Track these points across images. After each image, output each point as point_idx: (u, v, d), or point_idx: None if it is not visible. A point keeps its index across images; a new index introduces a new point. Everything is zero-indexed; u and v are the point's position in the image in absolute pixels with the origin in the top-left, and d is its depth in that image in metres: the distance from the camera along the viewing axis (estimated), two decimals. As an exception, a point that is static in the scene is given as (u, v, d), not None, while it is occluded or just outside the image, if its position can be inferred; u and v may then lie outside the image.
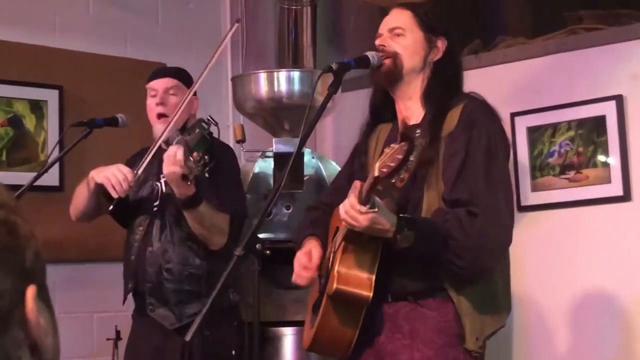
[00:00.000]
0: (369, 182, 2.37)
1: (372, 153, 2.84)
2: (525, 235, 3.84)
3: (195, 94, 3.63)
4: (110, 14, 4.65)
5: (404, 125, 2.51)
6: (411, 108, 2.77)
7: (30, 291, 0.97)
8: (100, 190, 3.43)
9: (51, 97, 4.38)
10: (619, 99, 3.82)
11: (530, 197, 4.03)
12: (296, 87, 4.28)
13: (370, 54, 2.72)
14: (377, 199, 2.41)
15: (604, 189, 3.84)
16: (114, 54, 4.61)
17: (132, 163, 3.67)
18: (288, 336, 3.99)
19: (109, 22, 4.64)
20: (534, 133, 4.04)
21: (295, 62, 4.50)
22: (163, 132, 3.43)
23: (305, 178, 4.19)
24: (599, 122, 3.87)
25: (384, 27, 2.79)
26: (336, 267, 2.54)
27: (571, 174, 3.94)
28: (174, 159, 3.13)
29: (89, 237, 4.34)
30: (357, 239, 2.53)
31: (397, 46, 2.73)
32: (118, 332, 3.80)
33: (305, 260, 2.74)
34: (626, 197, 3.78)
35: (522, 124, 4.05)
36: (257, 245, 2.56)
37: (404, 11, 2.79)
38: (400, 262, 2.57)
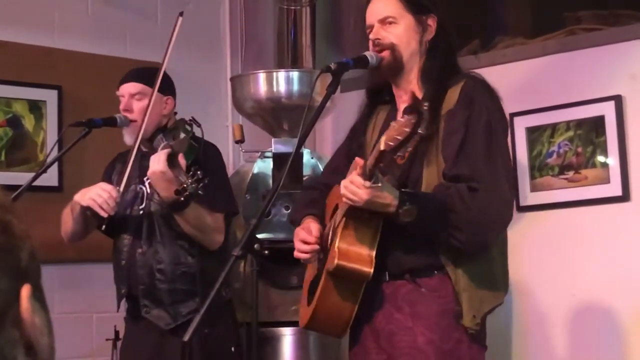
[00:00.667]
0: (375, 156, 2.37)
1: (370, 134, 2.84)
2: (524, 235, 3.85)
3: (171, 93, 3.58)
4: (110, 14, 4.65)
5: (414, 97, 2.51)
6: (410, 91, 2.75)
7: (25, 291, 0.97)
8: (86, 212, 3.41)
9: (50, 98, 4.38)
10: (617, 99, 3.82)
11: (529, 197, 4.03)
12: (295, 87, 4.28)
13: (368, 54, 2.71)
14: (381, 175, 2.42)
15: (602, 189, 3.83)
16: (113, 54, 4.61)
17: (110, 170, 3.68)
18: (287, 336, 4.00)
19: (108, 22, 4.64)
20: (533, 133, 4.04)
21: (295, 63, 4.50)
22: (137, 139, 3.39)
23: (304, 178, 4.19)
24: (598, 123, 3.87)
25: (372, 18, 2.76)
26: (337, 243, 2.55)
27: (570, 174, 3.93)
28: (157, 160, 3.16)
29: (88, 237, 4.33)
30: (358, 215, 2.53)
31: (391, 36, 2.72)
32: (117, 333, 3.80)
33: (305, 234, 2.74)
34: (625, 197, 3.78)
35: (521, 124, 4.05)
36: (255, 246, 2.55)
37: None
38: (398, 238, 2.58)
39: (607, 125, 3.84)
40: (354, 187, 2.45)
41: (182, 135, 3.40)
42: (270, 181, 4.15)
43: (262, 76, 4.30)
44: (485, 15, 4.77)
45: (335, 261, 2.52)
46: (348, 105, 4.78)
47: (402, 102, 2.78)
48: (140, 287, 3.44)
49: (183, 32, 4.87)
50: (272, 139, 4.28)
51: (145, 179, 3.47)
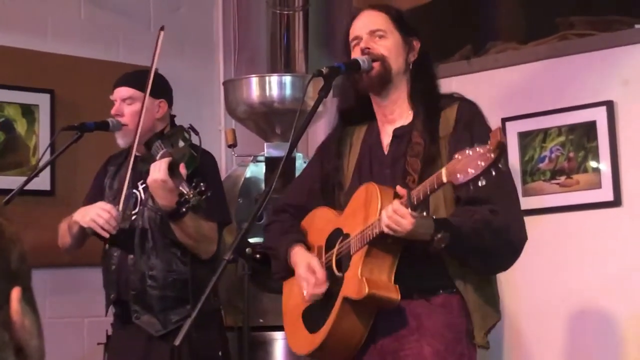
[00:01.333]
0: (431, 187, 2.36)
1: (346, 156, 2.82)
2: (516, 240, 3.84)
3: (164, 96, 3.58)
4: (102, 18, 4.64)
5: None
6: (397, 110, 2.76)
7: (15, 293, 0.97)
8: (87, 231, 3.43)
9: (43, 102, 4.37)
10: (609, 105, 3.83)
11: (521, 202, 4.02)
12: (288, 91, 4.28)
13: (360, 58, 2.70)
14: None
15: (594, 194, 3.84)
16: (106, 58, 4.60)
17: (102, 174, 3.68)
18: (278, 341, 3.99)
19: (101, 26, 4.64)
20: (525, 138, 4.04)
21: (287, 67, 4.50)
22: (133, 147, 3.39)
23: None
24: (590, 128, 3.87)
25: (361, 30, 2.75)
26: (359, 271, 2.54)
27: (562, 179, 3.94)
28: (157, 165, 3.16)
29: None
30: (382, 244, 2.53)
31: (381, 48, 2.72)
32: (109, 337, 3.79)
33: (314, 278, 2.70)
34: (616, 202, 3.79)
35: (513, 129, 4.05)
36: (247, 250, 2.55)
37: (378, 13, 2.76)
38: (408, 261, 2.58)
39: (599, 130, 3.85)
40: (397, 217, 2.43)
41: (181, 143, 3.39)
42: (263, 185, 4.15)
43: (254, 80, 4.31)
44: (477, 21, 4.78)
45: (366, 290, 2.51)
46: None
47: (387, 122, 2.78)
48: (132, 292, 3.43)
49: (175, 36, 4.89)
50: (265, 144, 4.28)
51: (139, 183, 3.47)
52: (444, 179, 2.30)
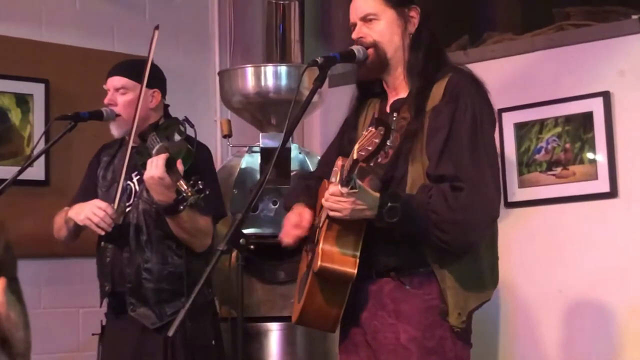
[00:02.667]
0: (349, 163, 2.39)
1: (361, 128, 2.81)
2: (511, 231, 3.84)
3: (158, 86, 3.56)
4: (97, 8, 4.62)
5: (380, 111, 2.58)
6: (399, 84, 2.75)
7: (0, 284, 0.95)
8: (82, 228, 3.45)
9: (37, 91, 4.35)
10: (606, 96, 3.82)
11: (517, 194, 4.03)
12: (283, 82, 4.26)
13: (355, 48, 2.69)
14: (358, 181, 2.41)
15: (590, 186, 3.84)
16: (101, 47, 4.58)
17: (95, 163, 3.68)
18: (274, 332, 3.98)
19: (96, 15, 4.62)
20: (521, 129, 4.03)
21: (283, 57, 4.48)
22: (130, 140, 3.40)
23: (292, 173, 4.18)
24: (586, 119, 3.87)
25: (354, 16, 2.73)
26: (320, 244, 2.54)
27: (558, 170, 3.93)
28: (153, 165, 3.16)
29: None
30: (340, 219, 2.52)
31: (373, 34, 2.69)
32: (103, 328, 3.78)
33: (297, 219, 2.74)
34: (613, 193, 3.78)
35: (510, 120, 4.05)
36: (241, 240, 2.54)
37: None
38: (384, 239, 2.56)
39: (596, 121, 3.84)
40: (335, 198, 2.46)
41: (177, 137, 3.38)
42: (258, 176, 4.13)
43: (250, 70, 4.28)
44: (474, 11, 4.77)
45: (319, 263, 2.52)
46: (336, 100, 4.77)
47: (392, 97, 2.77)
48: (127, 285, 3.44)
49: (171, 26, 4.87)
50: (260, 134, 4.27)
51: (134, 175, 3.46)
52: (354, 156, 2.35)
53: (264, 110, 4.33)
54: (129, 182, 3.49)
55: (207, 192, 3.05)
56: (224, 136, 4.31)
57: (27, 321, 1.00)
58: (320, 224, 2.63)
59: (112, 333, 3.57)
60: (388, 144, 2.30)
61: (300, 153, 4.31)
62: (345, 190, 2.40)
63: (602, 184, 3.81)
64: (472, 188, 2.50)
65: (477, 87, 2.68)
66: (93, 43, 4.56)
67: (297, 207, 2.82)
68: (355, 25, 2.73)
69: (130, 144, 3.40)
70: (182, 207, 3.17)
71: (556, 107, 3.95)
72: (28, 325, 1.00)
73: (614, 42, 3.88)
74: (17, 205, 4.04)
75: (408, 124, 2.62)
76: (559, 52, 4.02)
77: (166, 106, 3.63)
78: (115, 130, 3.53)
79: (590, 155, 3.85)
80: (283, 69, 4.29)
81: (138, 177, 3.45)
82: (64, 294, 4.37)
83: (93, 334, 3.80)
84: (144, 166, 3.27)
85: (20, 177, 3.46)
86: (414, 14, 2.73)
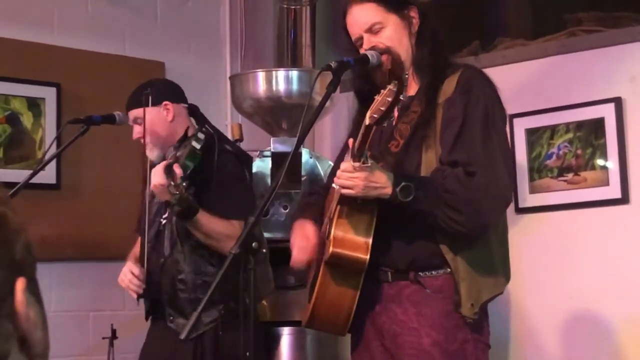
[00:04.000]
0: (361, 132, 2.38)
1: None
2: (522, 237, 3.84)
3: (168, 97, 3.56)
4: (109, 12, 4.64)
5: (393, 64, 2.59)
6: (408, 84, 2.75)
7: (20, 284, 0.96)
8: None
9: (49, 95, 4.37)
10: (617, 102, 3.82)
11: (528, 199, 4.02)
12: (294, 86, 4.27)
13: (369, 53, 2.69)
14: (369, 157, 2.42)
15: (602, 192, 3.83)
16: (112, 52, 4.60)
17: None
18: (284, 336, 3.99)
19: (108, 20, 4.63)
20: (533, 135, 4.03)
21: (294, 62, 4.49)
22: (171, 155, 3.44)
23: (303, 178, 4.18)
24: (598, 125, 3.86)
25: (357, 29, 2.73)
26: (332, 232, 2.53)
27: (569, 176, 3.93)
28: (155, 170, 3.20)
29: (86, 235, 4.34)
30: (351, 202, 2.52)
31: (384, 41, 2.70)
32: (114, 331, 3.78)
33: (304, 243, 2.74)
34: (624, 199, 3.78)
35: (521, 126, 4.04)
36: (253, 244, 2.54)
37: (366, 5, 2.72)
38: (397, 230, 2.57)
39: (607, 127, 3.83)
40: (347, 174, 2.45)
41: (193, 143, 3.40)
42: (269, 180, 4.14)
43: (261, 75, 4.29)
44: (485, 17, 4.77)
45: (330, 249, 2.50)
46: (347, 105, 4.77)
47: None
48: (165, 295, 3.48)
49: (182, 31, 4.89)
50: (271, 138, 4.27)
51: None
52: (367, 122, 2.34)
53: (275, 115, 4.33)
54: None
55: (188, 193, 3.11)
56: (235, 140, 4.32)
57: (46, 322, 1.00)
58: (332, 214, 2.61)
59: (151, 337, 3.61)
60: (401, 98, 2.29)
61: (311, 157, 4.31)
62: (357, 164, 2.40)
63: (613, 190, 3.81)
64: (484, 172, 2.52)
65: (488, 82, 2.71)
66: (104, 47, 4.58)
67: (300, 226, 2.81)
68: (361, 38, 2.73)
69: (148, 166, 3.46)
70: (173, 210, 3.22)
71: (567, 113, 3.94)
72: (46, 326, 1.00)
73: (626, 48, 3.87)
74: (29, 208, 4.05)
75: (419, 115, 2.63)
76: (570, 57, 4.02)
77: (193, 110, 3.64)
78: (150, 154, 3.56)
79: (601, 162, 3.85)
80: (294, 74, 4.30)
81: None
82: (75, 297, 4.38)
83: (103, 338, 3.80)
84: (185, 169, 3.35)
85: (32, 180, 3.49)
86: (414, 14, 2.75)
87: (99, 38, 4.59)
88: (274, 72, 4.30)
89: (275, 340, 4.00)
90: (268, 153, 4.22)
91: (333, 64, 2.61)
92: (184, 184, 3.10)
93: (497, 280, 2.65)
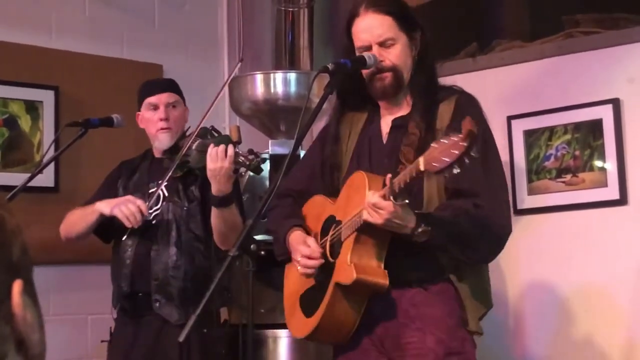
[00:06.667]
0: (410, 175, 2.38)
1: (345, 141, 2.86)
2: (521, 238, 3.83)
3: (184, 103, 3.70)
4: (107, 15, 4.64)
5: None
6: (399, 102, 2.79)
7: (17, 286, 0.96)
8: (103, 221, 3.53)
9: (47, 98, 4.37)
10: (615, 103, 3.82)
11: (527, 201, 4.02)
12: (292, 88, 4.27)
13: (366, 55, 2.70)
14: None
15: (600, 193, 3.83)
16: (110, 55, 4.60)
17: (116, 175, 3.76)
18: (283, 338, 3.98)
19: (105, 23, 4.64)
20: (531, 136, 4.03)
21: (292, 64, 4.49)
22: (187, 144, 3.51)
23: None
24: (596, 126, 3.86)
25: (369, 37, 2.73)
26: (348, 258, 2.58)
27: (567, 177, 3.93)
28: (222, 154, 3.22)
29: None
30: (370, 231, 2.56)
31: (392, 58, 2.72)
32: (112, 334, 3.79)
33: (308, 250, 2.74)
34: (622, 201, 3.78)
35: (519, 127, 4.04)
36: (251, 246, 2.55)
37: (384, 17, 2.73)
38: (404, 252, 2.60)
39: (605, 128, 3.83)
40: (375, 208, 2.47)
41: (217, 136, 3.53)
42: (267, 183, 4.13)
43: (259, 77, 4.29)
44: (483, 19, 4.77)
45: (355, 275, 2.54)
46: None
47: (388, 112, 2.81)
48: (154, 282, 3.50)
49: (180, 33, 4.89)
50: (269, 141, 4.27)
51: (159, 182, 3.52)
52: (421, 167, 2.33)
53: (273, 117, 4.34)
54: (155, 188, 3.56)
55: (262, 157, 3.24)
56: (233, 143, 4.32)
57: (43, 324, 1.00)
58: (341, 237, 2.65)
59: (123, 336, 3.59)
60: (472, 154, 2.25)
61: (309, 160, 4.31)
62: (398, 202, 2.44)
63: (611, 191, 3.81)
64: (490, 205, 2.61)
65: (481, 109, 2.76)
66: (103, 50, 4.58)
67: (296, 236, 2.82)
68: (369, 47, 2.73)
69: (184, 150, 3.51)
70: (242, 173, 3.31)
71: (565, 114, 3.95)
72: (43, 328, 1.00)
73: (623, 49, 3.87)
74: (27, 211, 4.05)
75: (419, 140, 2.65)
76: (568, 59, 4.02)
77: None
78: (165, 142, 3.62)
79: (599, 163, 3.85)
80: (292, 76, 4.30)
81: (166, 183, 3.53)
82: (73, 300, 4.38)
83: (102, 341, 3.81)
84: (183, 165, 3.42)
85: (30, 183, 3.49)
86: (418, 37, 2.78)
87: (97, 41, 4.59)
88: (271, 75, 4.30)
89: (275, 342, 4.00)
90: (266, 155, 4.22)
91: (330, 66, 2.62)
92: (256, 152, 3.25)
93: (488, 297, 2.77)
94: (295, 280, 2.87)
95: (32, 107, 4.33)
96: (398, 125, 2.76)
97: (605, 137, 3.83)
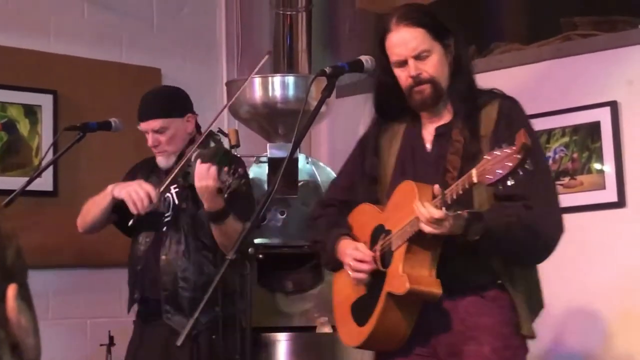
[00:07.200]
0: (462, 186, 2.39)
1: (386, 154, 2.83)
2: (519, 241, 3.83)
3: (189, 109, 3.61)
4: (105, 19, 4.64)
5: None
6: (439, 110, 2.76)
7: (11, 290, 0.96)
8: (115, 205, 3.47)
9: (45, 102, 4.37)
10: (613, 105, 3.82)
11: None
12: (291, 92, 4.27)
13: (364, 58, 2.69)
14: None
15: (598, 195, 3.83)
16: (109, 58, 4.60)
17: (137, 171, 3.70)
18: (281, 342, 3.98)
19: (104, 26, 4.64)
20: (529, 139, 4.03)
21: (290, 68, 4.49)
22: (188, 155, 3.45)
23: (299, 184, 4.18)
24: (594, 128, 3.86)
25: (405, 52, 2.69)
26: (400, 268, 2.59)
27: (566, 180, 3.93)
28: (206, 173, 3.19)
29: (83, 242, 4.32)
30: (421, 240, 2.57)
31: (429, 69, 2.69)
32: (111, 338, 3.79)
33: (360, 253, 2.74)
34: (620, 203, 3.78)
35: (517, 130, 4.04)
36: (249, 250, 2.54)
37: (416, 30, 2.69)
38: (456, 259, 2.60)
39: (603, 131, 3.84)
40: (436, 223, 2.47)
41: (212, 144, 3.47)
42: (266, 186, 4.14)
43: (257, 81, 4.29)
44: (481, 22, 4.77)
45: (407, 286, 2.55)
46: (344, 110, 4.78)
47: (429, 121, 2.78)
48: (163, 293, 3.47)
49: (179, 37, 4.89)
50: (268, 144, 4.27)
51: (172, 187, 3.50)
52: (474, 179, 2.34)
53: (272, 121, 4.34)
54: (168, 193, 3.52)
55: (247, 178, 3.16)
56: (232, 146, 4.30)
57: (37, 328, 1.00)
58: (392, 247, 2.65)
59: (140, 339, 3.58)
60: (526, 166, 2.25)
61: (307, 163, 4.31)
62: (451, 213, 2.45)
63: (609, 194, 3.81)
64: (542, 207, 2.60)
65: (525, 112, 2.77)
66: (101, 54, 4.58)
67: (346, 243, 2.81)
68: (405, 61, 2.70)
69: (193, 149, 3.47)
70: (225, 195, 3.22)
71: (564, 116, 3.95)
72: (38, 332, 1.00)
73: (622, 52, 3.88)
74: (26, 215, 4.05)
75: (465, 147, 2.65)
76: (566, 62, 4.03)
77: (196, 115, 3.67)
78: (164, 162, 3.57)
79: (597, 165, 3.85)
80: (290, 79, 4.30)
81: (177, 189, 3.49)
82: (72, 304, 4.37)
83: (101, 345, 3.81)
84: (187, 176, 3.35)
85: (29, 187, 3.49)
86: (452, 43, 2.75)
87: (96, 45, 4.59)
88: (270, 78, 4.30)
89: (273, 345, 4.00)
90: (264, 159, 4.22)
91: (327, 70, 2.62)
92: (240, 170, 3.18)
93: (541, 298, 2.77)
94: (344, 288, 2.87)
95: (31, 111, 4.33)
96: (441, 133, 2.73)
97: (603, 139, 3.83)
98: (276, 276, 4.11)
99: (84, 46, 4.54)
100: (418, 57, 2.69)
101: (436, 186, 2.50)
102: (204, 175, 3.21)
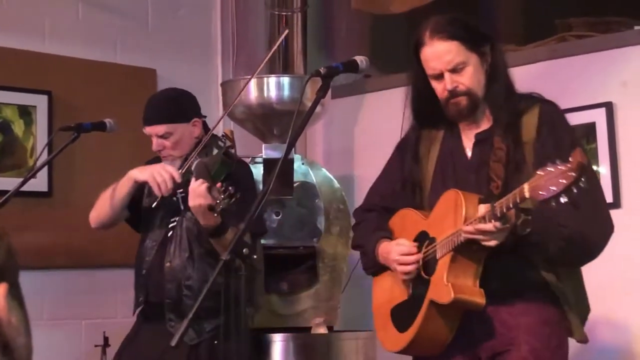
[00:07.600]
0: (513, 201, 2.38)
1: (425, 158, 2.83)
2: (514, 242, 3.83)
3: (196, 113, 3.59)
4: (100, 19, 4.63)
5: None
6: (478, 116, 2.75)
7: (2, 289, 0.95)
8: (136, 190, 3.46)
9: (40, 103, 4.36)
10: (608, 106, 3.82)
11: (520, 204, 4.01)
12: (286, 92, 4.27)
13: (358, 59, 2.68)
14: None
15: (593, 196, 3.83)
16: (104, 59, 4.60)
17: None
18: (276, 343, 3.97)
19: (99, 27, 4.63)
20: (524, 140, 4.03)
21: (286, 68, 4.49)
22: (189, 162, 3.44)
23: (295, 184, 4.18)
24: (589, 129, 3.86)
25: (440, 66, 2.68)
26: (445, 276, 2.58)
27: (561, 180, 3.92)
28: (198, 192, 3.17)
29: (78, 243, 4.32)
30: (466, 250, 2.57)
31: (465, 81, 2.67)
32: (106, 339, 3.79)
33: (406, 248, 2.73)
34: (616, 204, 3.78)
35: (512, 131, 4.04)
36: (244, 250, 2.53)
37: (451, 43, 2.67)
38: (497, 263, 2.59)
39: (598, 132, 3.84)
40: (487, 235, 2.48)
41: (215, 151, 3.43)
42: (261, 187, 4.13)
43: (252, 82, 4.28)
44: (476, 22, 4.77)
45: (452, 295, 2.55)
46: (339, 111, 4.78)
47: (468, 127, 2.77)
48: (167, 300, 3.46)
49: (174, 38, 4.89)
50: (263, 145, 4.27)
51: (179, 191, 3.46)
52: (527, 195, 2.33)
53: (267, 121, 4.33)
54: (174, 197, 3.49)
55: (238, 196, 3.08)
56: (228, 147, 4.32)
57: (29, 327, 0.99)
58: (436, 256, 2.65)
59: (139, 336, 3.56)
60: (581, 184, 2.24)
61: (303, 164, 4.31)
62: (498, 225, 2.44)
63: (605, 195, 3.80)
64: (590, 205, 2.55)
65: (565, 118, 2.76)
66: (96, 54, 4.58)
67: (387, 244, 2.81)
68: (441, 74, 2.69)
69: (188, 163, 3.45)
70: (215, 214, 3.18)
71: (559, 117, 3.95)
72: (29, 331, 0.99)
73: (617, 53, 3.88)
74: (20, 216, 4.05)
75: (508, 155, 2.64)
76: (561, 63, 4.03)
77: (204, 120, 3.64)
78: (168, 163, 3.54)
79: (593, 166, 3.85)
80: (286, 80, 4.30)
81: (183, 194, 3.45)
82: (67, 305, 4.36)
83: (96, 346, 3.81)
84: (188, 184, 3.31)
85: (23, 188, 3.47)
86: (488, 50, 2.73)
87: (90, 45, 4.58)
88: (265, 79, 4.30)
89: (268, 346, 3.99)
90: (260, 159, 4.22)
91: (322, 70, 2.61)
92: (230, 189, 3.11)
93: (587, 301, 2.78)
94: (385, 293, 2.87)
95: (26, 112, 4.33)
96: (481, 139, 2.72)
97: (599, 140, 3.83)
98: (272, 277, 4.11)
99: (78, 47, 4.53)
100: (454, 70, 2.68)
101: (479, 196, 2.52)
102: (195, 194, 3.19)
